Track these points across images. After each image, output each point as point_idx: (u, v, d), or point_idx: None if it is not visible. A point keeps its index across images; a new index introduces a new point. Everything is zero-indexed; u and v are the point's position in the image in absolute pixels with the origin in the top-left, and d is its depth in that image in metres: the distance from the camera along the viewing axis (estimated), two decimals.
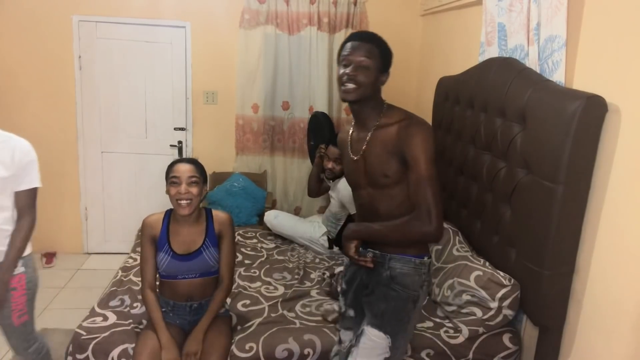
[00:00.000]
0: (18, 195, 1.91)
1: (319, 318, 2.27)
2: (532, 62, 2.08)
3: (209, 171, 2.62)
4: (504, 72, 2.19)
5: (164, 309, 2.06)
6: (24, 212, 1.93)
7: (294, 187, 4.04)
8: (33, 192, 1.94)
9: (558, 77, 1.92)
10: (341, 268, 2.61)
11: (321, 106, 3.80)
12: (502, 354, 2.11)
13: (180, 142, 3.92)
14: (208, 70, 3.85)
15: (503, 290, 2.03)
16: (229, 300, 2.33)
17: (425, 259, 1.71)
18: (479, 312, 2.09)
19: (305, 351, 2.06)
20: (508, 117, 2.13)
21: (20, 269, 1.93)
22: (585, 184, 1.77)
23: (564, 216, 1.79)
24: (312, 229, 3.21)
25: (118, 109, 3.86)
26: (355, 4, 3.73)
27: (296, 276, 2.75)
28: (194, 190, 1.96)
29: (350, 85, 1.61)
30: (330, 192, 3.19)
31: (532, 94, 1.95)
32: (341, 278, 1.92)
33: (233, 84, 3.85)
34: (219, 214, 2.10)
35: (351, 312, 1.83)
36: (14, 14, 3.62)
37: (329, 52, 3.78)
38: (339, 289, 2.47)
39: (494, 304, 2.04)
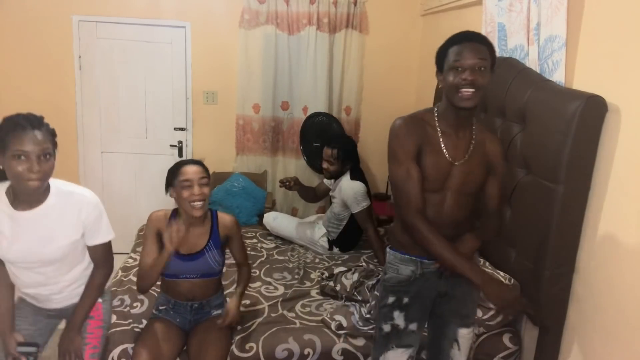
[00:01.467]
0: (92, 248, 1.87)
1: (319, 318, 2.27)
2: (532, 62, 2.08)
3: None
4: (504, 72, 2.19)
5: (164, 307, 2.07)
6: (98, 264, 1.91)
7: None
8: (108, 244, 1.89)
9: (558, 77, 1.92)
10: (341, 268, 2.61)
11: (321, 106, 3.80)
12: (502, 354, 2.11)
13: (180, 142, 3.92)
14: (208, 70, 3.85)
15: None
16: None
17: None
18: (479, 312, 2.09)
19: (305, 351, 2.07)
20: (508, 117, 2.13)
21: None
22: (585, 184, 1.77)
23: (564, 216, 1.79)
24: (311, 231, 3.21)
25: (118, 109, 3.86)
26: (355, 4, 3.73)
27: (296, 276, 2.75)
28: (206, 190, 1.97)
29: (471, 90, 1.50)
30: (331, 193, 3.18)
31: (532, 94, 1.95)
32: (388, 291, 1.76)
33: (233, 84, 3.85)
34: (224, 217, 2.10)
35: (413, 326, 1.72)
36: (13, 14, 3.62)
37: (329, 52, 3.77)
38: (337, 288, 2.47)
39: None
